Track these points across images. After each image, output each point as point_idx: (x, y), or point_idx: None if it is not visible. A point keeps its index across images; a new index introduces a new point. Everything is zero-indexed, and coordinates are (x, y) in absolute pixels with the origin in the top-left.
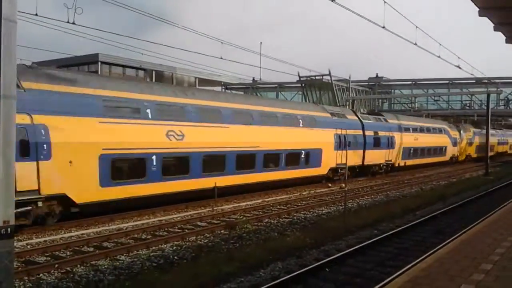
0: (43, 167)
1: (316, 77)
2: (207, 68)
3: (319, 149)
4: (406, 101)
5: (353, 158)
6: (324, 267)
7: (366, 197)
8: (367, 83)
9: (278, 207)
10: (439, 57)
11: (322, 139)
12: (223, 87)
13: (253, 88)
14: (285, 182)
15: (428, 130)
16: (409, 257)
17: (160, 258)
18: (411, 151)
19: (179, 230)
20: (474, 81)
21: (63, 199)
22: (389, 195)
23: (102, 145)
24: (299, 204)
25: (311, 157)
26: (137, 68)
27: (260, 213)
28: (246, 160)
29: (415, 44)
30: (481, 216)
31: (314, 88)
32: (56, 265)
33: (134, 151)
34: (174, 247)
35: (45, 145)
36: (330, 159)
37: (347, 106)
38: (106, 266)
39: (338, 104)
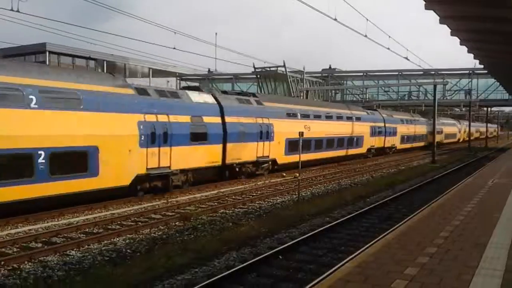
0: None
1: (271, 69)
2: (161, 59)
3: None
4: (358, 92)
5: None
6: (277, 255)
7: (319, 185)
8: (320, 75)
9: (234, 197)
10: (388, 49)
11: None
12: (178, 78)
13: (208, 79)
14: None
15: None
16: (359, 243)
17: (113, 252)
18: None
19: (132, 223)
20: (422, 72)
21: None
22: (341, 183)
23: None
24: (254, 194)
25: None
26: (87, 58)
27: (216, 204)
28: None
29: (366, 36)
30: (427, 201)
31: (269, 79)
32: (2, 262)
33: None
34: (127, 241)
35: None
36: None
37: (301, 97)
38: (55, 262)
39: (292, 95)
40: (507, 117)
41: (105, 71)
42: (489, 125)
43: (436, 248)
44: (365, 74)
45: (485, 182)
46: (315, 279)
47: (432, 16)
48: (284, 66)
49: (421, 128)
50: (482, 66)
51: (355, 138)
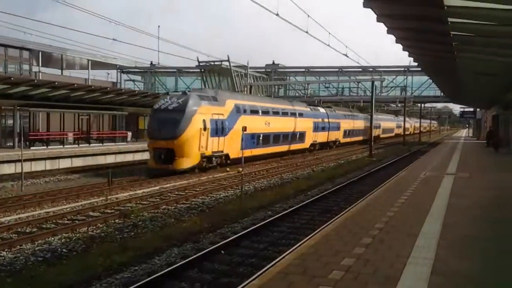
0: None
1: (216, 63)
2: (102, 51)
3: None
4: (300, 88)
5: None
6: (219, 250)
7: (262, 180)
8: (264, 70)
9: (176, 193)
10: (328, 45)
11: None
12: (119, 70)
13: (151, 73)
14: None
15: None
16: (300, 236)
17: (47, 252)
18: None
19: (68, 222)
20: (360, 69)
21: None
22: (283, 177)
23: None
24: (198, 189)
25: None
26: (20, 48)
27: (158, 200)
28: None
29: (307, 32)
30: (364, 194)
31: (214, 73)
32: None
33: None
34: (63, 240)
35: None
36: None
37: (245, 92)
38: None
39: (236, 90)
40: (438, 112)
41: (40, 62)
42: (423, 120)
43: (372, 239)
44: (307, 70)
45: (418, 175)
46: (256, 273)
47: (371, 14)
48: (228, 60)
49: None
50: (416, 64)
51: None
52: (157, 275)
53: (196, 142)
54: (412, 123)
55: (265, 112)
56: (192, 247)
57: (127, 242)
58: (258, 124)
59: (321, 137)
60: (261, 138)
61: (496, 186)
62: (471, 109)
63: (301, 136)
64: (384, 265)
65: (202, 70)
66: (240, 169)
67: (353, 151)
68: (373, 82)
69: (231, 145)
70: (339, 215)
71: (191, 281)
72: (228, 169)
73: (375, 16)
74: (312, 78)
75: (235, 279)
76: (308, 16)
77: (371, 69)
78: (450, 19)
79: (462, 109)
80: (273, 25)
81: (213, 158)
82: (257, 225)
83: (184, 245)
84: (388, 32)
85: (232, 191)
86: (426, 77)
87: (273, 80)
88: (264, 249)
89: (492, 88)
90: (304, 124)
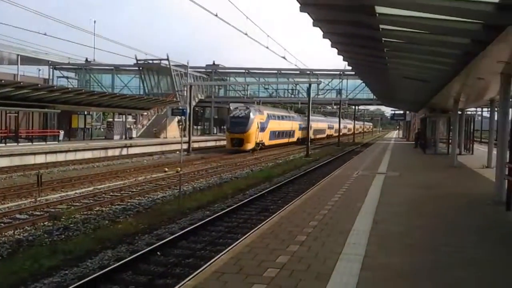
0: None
1: (154, 62)
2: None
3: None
4: (240, 88)
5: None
6: (156, 251)
7: (201, 180)
8: (204, 70)
9: (111, 194)
10: (267, 47)
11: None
12: (51, 66)
13: (86, 69)
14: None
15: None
16: (237, 235)
17: None
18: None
19: None
20: (298, 71)
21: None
22: (222, 177)
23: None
24: (134, 190)
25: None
26: None
27: (91, 201)
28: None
29: (246, 34)
30: (300, 193)
31: (152, 72)
32: None
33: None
34: None
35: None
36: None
37: (185, 92)
38: None
39: (176, 90)
40: (371, 115)
41: None
42: (358, 122)
43: (306, 236)
44: (247, 71)
45: (351, 174)
46: (192, 273)
47: (308, 18)
48: (167, 59)
49: (294, 124)
50: (350, 68)
51: (292, 131)
52: (88, 278)
53: (254, 135)
54: (346, 125)
55: (280, 118)
56: (126, 249)
57: (57, 246)
58: (276, 126)
59: (303, 133)
60: (277, 133)
61: (423, 185)
62: (401, 112)
63: (293, 133)
64: (317, 262)
65: (140, 68)
66: (179, 168)
67: (290, 151)
68: (310, 85)
69: (265, 138)
70: (275, 214)
71: (125, 284)
72: (166, 169)
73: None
74: (252, 79)
75: (171, 280)
76: (247, 18)
77: (309, 72)
78: (381, 26)
79: (393, 112)
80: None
81: (260, 144)
82: (194, 225)
83: (119, 247)
84: (324, 36)
85: (170, 192)
86: (360, 81)
87: (214, 81)
88: (201, 249)
89: (421, 92)
90: (295, 125)
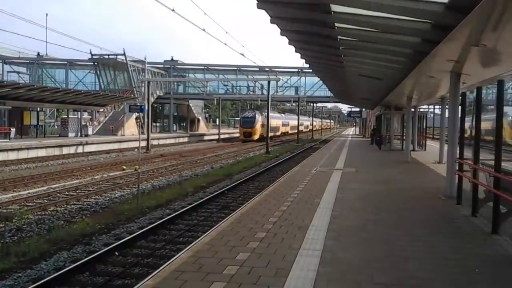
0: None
1: (110, 57)
2: None
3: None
4: (199, 85)
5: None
6: (113, 251)
7: (160, 178)
8: (163, 66)
9: (67, 193)
10: (225, 44)
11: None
12: (1, 61)
13: (38, 64)
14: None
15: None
16: (197, 233)
17: None
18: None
19: None
20: (257, 68)
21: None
22: (182, 174)
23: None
24: (91, 189)
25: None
26: None
27: (45, 201)
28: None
29: (204, 30)
30: (260, 190)
31: (108, 67)
32: None
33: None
34: None
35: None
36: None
37: (143, 88)
38: None
39: (133, 86)
40: (329, 112)
41: None
42: (316, 119)
43: (265, 233)
44: (206, 67)
45: (310, 170)
46: (151, 273)
47: (266, 16)
48: (124, 54)
49: (279, 122)
50: (308, 65)
51: (279, 127)
52: (43, 281)
53: (259, 130)
54: (303, 122)
55: (274, 118)
56: (83, 250)
57: (9, 248)
58: (274, 123)
59: (284, 129)
60: (274, 128)
61: (378, 180)
62: (358, 109)
63: (279, 128)
64: (276, 258)
65: (96, 63)
66: (137, 166)
67: (251, 148)
68: (269, 82)
69: (264, 132)
70: (235, 211)
71: (82, 285)
72: (124, 167)
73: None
74: (211, 75)
75: (130, 281)
76: (205, 13)
77: (267, 69)
78: (337, 24)
79: (350, 109)
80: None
81: (261, 136)
82: (154, 224)
83: (75, 248)
84: (282, 34)
85: (129, 190)
86: (318, 78)
87: (172, 77)
88: (161, 248)
89: (376, 90)
90: (279, 122)
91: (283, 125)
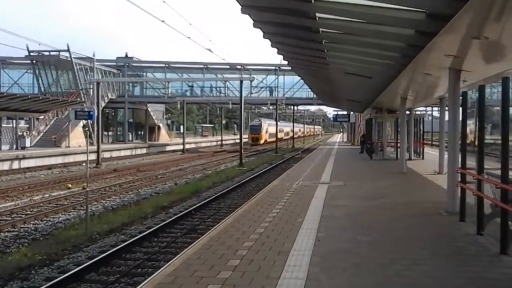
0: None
1: (52, 54)
2: None
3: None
4: (159, 86)
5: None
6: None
7: (113, 197)
8: (115, 64)
9: None
10: (189, 38)
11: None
12: None
13: None
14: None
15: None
16: (159, 262)
17: None
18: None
19: None
20: (228, 66)
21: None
22: (140, 193)
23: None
24: (29, 212)
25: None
26: None
27: None
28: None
29: (163, 21)
30: (233, 209)
31: (50, 66)
32: None
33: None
34: None
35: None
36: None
37: (91, 90)
38: None
39: (80, 87)
40: (312, 116)
41: None
42: (298, 124)
43: (240, 260)
44: (167, 65)
45: (291, 184)
46: None
47: (236, 6)
48: (68, 50)
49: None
50: (286, 62)
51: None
52: None
53: (264, 135)
54: (283, 128)
55: (272, 125)
56: (20, 286)
57: None
58: (274, 130)
59: (280, 135)
60: (271, 135)
61: (370, 195)
62: (345, 113)
63: (273, 135)
64: None
65: (34, 61)
66: (85, 184)
67: (221, 160)
68: (241, 81)
69: (267, 137)
70: (204, 235)
71: None
72: (69, 185)
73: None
74: (174, 75)
75: None
76: (164, 1)
77: (240, 67)
78: (318, 15)
79: (335, 112)
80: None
81: (265, 140)
82: (106, 253)
83: (9, 284)
84: (255, 25)
85: (75, 213)
86: (298, 77)
87: (126, 77)
88: (114, 282)
89: (365, 90)
90: (274, 129)
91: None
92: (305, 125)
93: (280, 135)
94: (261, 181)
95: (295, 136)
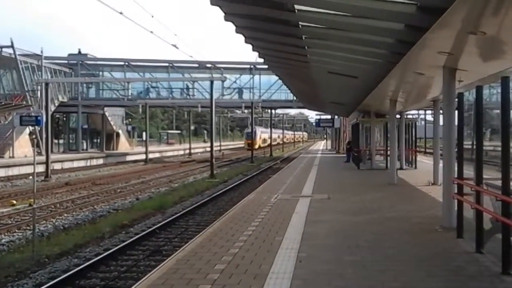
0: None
1: None
2: None
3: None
4: (118, 87)
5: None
6: None
7: (65, 215)
8: (67, 61)
9: None
10: (152, 32)
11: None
12: None
13: None
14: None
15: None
16: None
17: None
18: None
19: None
20: (197, 65)
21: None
22: (96, 209)
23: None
24: None
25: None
26: None
27: None
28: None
29: (121, 13)
30: (203, 227)
31: None
32: None
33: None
34: None
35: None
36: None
37: (39, 92)
38: None
39: (26, 89)
40: (292, 121)
41: None
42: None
43: (210, 285)
44: (127, 63)
45: (268, 198)
46: None
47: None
48: (12, 46)
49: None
50: (262, 60)
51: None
52: None
53: (258, 141)
54: (261, 134)
55: (264, 132)
56: None
57: None
58: (266, 136)
59: (273, 140)
60: (266, 140)
61: (357, 209)
62: (329, 117)
63: (265, 140)
64: None
65: None
66: (32, 200)
67: (190, 171)
68: (212, 82)
69: (261, 142)
70: (170, 257)
71: None
72: (14, 201)
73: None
74: (135, 74)
75: None
76: None
77: (210, 65)
78: (297, 7)
79: (318, 117)
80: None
81: (259, 146)
82: (56, 280)
83: None
84: (226, 19)
85: (21, 233)
86: (275, 77)
87: (80, 76)
88: None
89: (350, 91)
90: (266, 136)
91: (269, 138)
92: (295, 132)
93: (270, 141)
94: (235, 195)
95: (285, 141)
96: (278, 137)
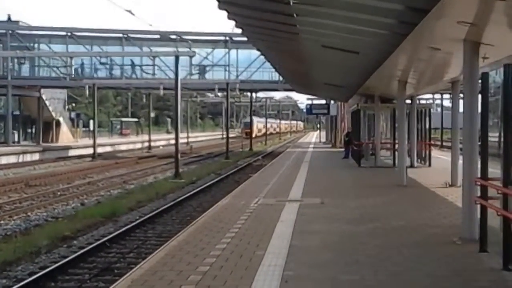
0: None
1: None
2: None
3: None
4: (59, 64)
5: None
6: None
7: None
8: None
9: None
10: None
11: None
12: None
13: None
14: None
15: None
16: None
17: None
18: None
19: None
20: (158, 36)
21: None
22: (30, 217)
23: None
24: None
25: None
26: None
27: None
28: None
29: None
30: (165, 239)
31: None
32: None
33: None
34: None
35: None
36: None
37: None
38: None
39: None
40: (277, 107)
41: None
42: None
43: None
44: (69, 34)
45: (247, 203)
46: None
47: None
48: None
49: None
50: (241, 31)
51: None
52: None
53: (255, 130)
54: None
55: (260, 122)
56: None
57: None
58: (261, 125)
59: (265, 130)
60: (262, 129)
61: (357, 217)
62: (323, 102)
63: (260, 130)
64: None
65: None
66: None
67: (150, 170)
68: (177, 57)
69: (257, 131)
70: (123, 278)
71: None
72: None
73: None
74: (80, 47)
75: None
76: None
77: (175, 37)
78: None
79: (310, 102)
80: None
81: (256, 135)
82: None
83: None
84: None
85: None
86: (257, 52)
87: (10, 50)
88: None
89: (350, 70)
90: (261, 125)
91: (264, 127)
92: (291, 121)
93: (265, 131)
94: (206, 199)
95: (280, 131)
96: (271, 126)
